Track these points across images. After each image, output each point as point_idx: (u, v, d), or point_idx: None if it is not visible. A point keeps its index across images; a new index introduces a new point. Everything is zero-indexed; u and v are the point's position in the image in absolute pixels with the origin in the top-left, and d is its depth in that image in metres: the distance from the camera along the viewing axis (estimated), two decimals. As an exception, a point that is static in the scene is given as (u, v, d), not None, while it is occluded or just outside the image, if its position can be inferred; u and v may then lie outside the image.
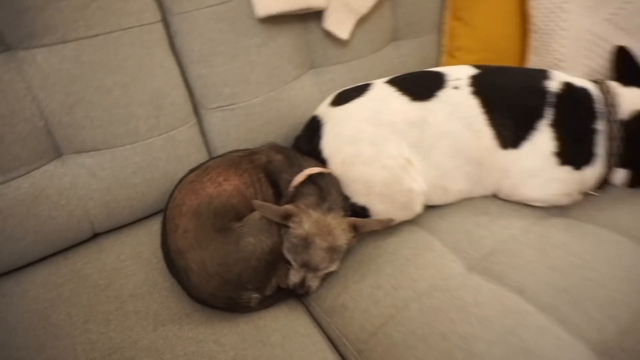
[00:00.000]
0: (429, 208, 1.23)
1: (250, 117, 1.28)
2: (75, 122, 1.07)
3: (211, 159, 1.16)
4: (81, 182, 1.12)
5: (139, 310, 1.04)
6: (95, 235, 1.22)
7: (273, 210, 1.04)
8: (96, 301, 1.06)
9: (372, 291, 1.05)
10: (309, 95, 1.36)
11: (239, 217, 1.06)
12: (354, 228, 1.07)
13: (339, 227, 1.04)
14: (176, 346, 0.97)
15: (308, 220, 1.03)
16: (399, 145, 1.12)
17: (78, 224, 1.15)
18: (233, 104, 1.25)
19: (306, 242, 1.02)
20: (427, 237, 1.17)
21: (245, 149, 1.18)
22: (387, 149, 1.11)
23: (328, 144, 1.15)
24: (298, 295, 1.09)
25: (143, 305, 1.05)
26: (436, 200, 1.22)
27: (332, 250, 1.03)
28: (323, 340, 1.03)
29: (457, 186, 1.20)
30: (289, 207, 1.05)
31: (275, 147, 1.18)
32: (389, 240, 1.16)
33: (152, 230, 1.21)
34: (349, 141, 1.13)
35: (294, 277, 1.07)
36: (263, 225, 1.04)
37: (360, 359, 0.97)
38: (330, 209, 1.06)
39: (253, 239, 1.02)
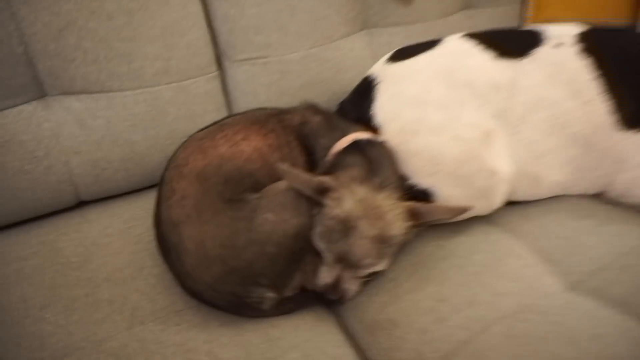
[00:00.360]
0: (508, 205, 0.93)
1: (284, 75, 1.03)
2: (63, 52, 0.84)
3: (230, 115, 0.91)
4: (66, 132, 0.89)
5: (114, 299, 0.78)
6: (81, 204, 0.98)
7: (304, 179, 0.76)
8: (62, 283, 0.80)
9: (434, 305, 0.74)
10: (358, 59, 1.10)
11: (257, 188, 0.79)
12: (414, 215, 0.78)
13: (392, 211, 0.76)
14: (154, 353, 0.70)
15: (351, 198, 0.75)
16: (478, 112, 0.83)
17: (58, 185, 0.91)
18: (265, 57, 1.01)
19: (346, 227, 0.73)
20: (509, 240, 0.86)
21: (275, 108, 0.92)
22: (462, 115, 0.82)
23: (383, 107, 0.88)
24: (329, 301, 0.79)
25: (120, 293, 0.79)
26: (521, 193, 0.91)
27: (380, 240, 0.74)
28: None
29: (552, 176, 0.89)
30: (325, 178, 0.78)
31: (312, 107, 0.91)
32: (457, 240, 0.86)
33: (151, 203, 0.96)
34: (411, 103, 0.85)
35: (326, 276, 0.78)
36: (288, 200, 0.76)
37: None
38: (381, 186, 0.78)
39: (273, 216, 0.74)
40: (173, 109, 0.95)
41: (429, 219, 0.78)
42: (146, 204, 0.97)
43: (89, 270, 0.83)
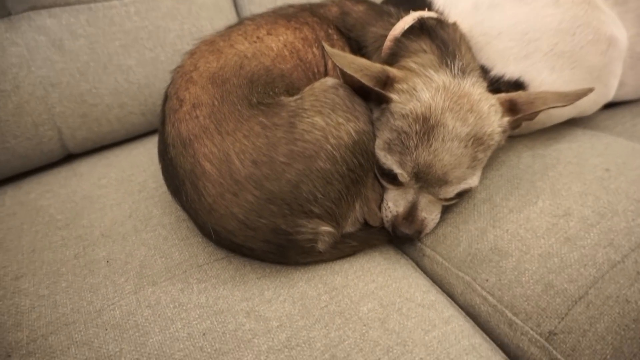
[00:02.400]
0: (607, 108, 0.72)
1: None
2: (26, -52, 0.65)
3: (248, 17, 0.70)
4: (39, 58, 0.69)
5: (113, 258, 0.57)
6: (70, 157, 0.78)
7: (361, 64, 0.56)
8: (44, 245, 0.60)
9: (555, 222, 0.53)
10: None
11: (294, 92, 0.59)
12: (512, 107, 0.57)
13: (485, 101, 0.55)
14: (173, 320, 0.49)
15: (428, 86, 0.55)
16: (576, -26, 0.63)
17: (35, 129, 0.71)
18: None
19: (426, 127, 0.53)
20: (623, 142, 0.65)
21: (304, 3, 0.71)
22: (558, -23, 0.62)
23: (445, -15, 0.67)
24: (401, 238, 0.59)
25: (122, 250, 0.58)
26: (630, 88, 0.70)
27: (476, 141, 0.54)
28: (459, 314, 0.53)
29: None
30: (389, 67, 0.58)
31: None
32: (558, 147, 0.64)
33: (154, 148, 0.76)
34: (484, -30, 0.64)
35: (398, 203, 0.58)
36: (340, 99, 0.56)
37: (548, 348, 0.46)
38: (464, 72, 0.57)
39: (321, 120, 0.53)
40: (174, 23, 0.75)
41: (532, 110, 0.57)
42: (150, 150, 0.78)
43: (79, 227, 0.63)
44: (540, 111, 0.56)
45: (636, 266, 0.47)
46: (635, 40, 0.66)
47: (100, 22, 0.71)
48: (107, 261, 0.57)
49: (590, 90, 0.56)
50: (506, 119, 0.56)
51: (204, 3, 0.77)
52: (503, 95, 0.58)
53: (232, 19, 0.80)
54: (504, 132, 0.57)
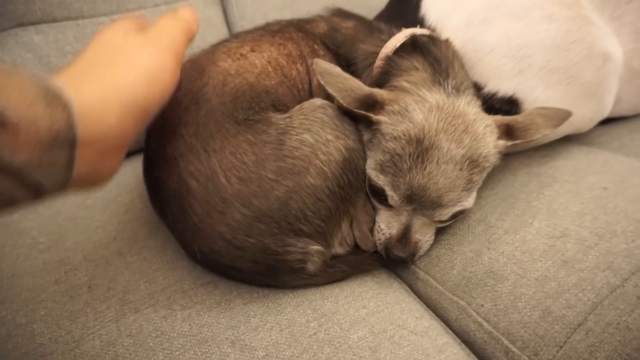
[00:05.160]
0: (604, 124, 0.71)
1: (300, -6, 0.82)
2: (11, -35, 0.64)
3: (233, 35, 0.69)
4: (24, 75, 0.68)
5: (95, 284, 0.55)
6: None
7: (346, 86, 0.54)
8: (25, 269, 0.58)
9: (552, 243, 0.51)
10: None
11: (280, 108, 0.57)
12: (508, 132, 0.56)
13: (480, 122, 0.54)
14: (155, 350, 0.47)
15: (421, 106, 0.53)
16: (569, -11, 0.62)
17: (19, 149, 0.69)
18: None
19: (420, 149, 0.51)
20: (620, 159, 0.64)
21: (291, 19, 0.70)
22: (550, -8, 0.61)
23: (436, 2, 0.66)
24: (393, 261, 0.57)
25: (105, 275, 0.56)
26: (625, 104, 0.69)
27: (471, 163, 0.52)
28: (453, 341, 0.51)
29: (670, 73, 0.67)
30: (377, 90, 0.56)
31: (341, 13, 0.69)
32: (554, 165, 0.63)
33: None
34: (476, -14, 0.63)
35: (388, 226, 0.56)
36: (329, 117, 0.54)
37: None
38: (458, 90, 0.56)
39: (311, 137, 0.52)
40: (162, 40, 0.74)
41: (527, 138, 0.56)
42: (138, 169, 0.75)
43: (62, 250, 0.61)
44: (535, 139, 0.55)
45: (636, 291, 0.45)
46: (631, 56, 0.65)
47: (88, 38, 0.69)
48: (89, 287, 0.55)
49: (569, 113, 0.56)
50: (502, 142, 0.55)
51: (194, 20, 0.76)
52: (499, 118, 0.56)
53: (223, 34, 0.79)
54: (499, 153, 0.55)
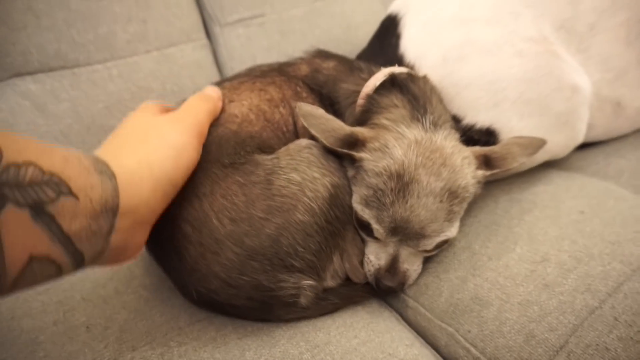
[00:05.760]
0: (581, 148, 0.74)
1: (286, 37, 0.87)
2: (8, 18, 0.67)
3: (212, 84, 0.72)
4: (22, 122, 0.71)
5: (93, 323, 0.57)
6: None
7: (328, 127, 0.57)
8: (24, 312, 0.59)
9: (533, 268, 0.54)
10: (370, 13, 0.94)
11: (266, 150, 0.60)
12: (485, 161, 0.59)
13: (458, 154, 0.57)
14: (152, 386, 0.48)
15: (400, 142, 0.56)
16: (537, 25, 0.66)
17: (17, 192, 0.71)
18: (261, 16, 0.85)
19: (401, 183, 0.54)
20: (599, 183, 0.66)
21: (273, 63, 0.74)
22: (520, 29, 0.65)
23: (414, 40, 0.70)
24: (383, 291, 0.59)
25: (102, 314, 0.58)
26: (599, 129, 0.72)
27: (450, 195, 0.55)
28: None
29: (638, 100, 0.71)
30: (358, 129, 0.59)
31: (321, 53, 0.73)
32: (534, 191, 0.66)
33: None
34: (451, 25, 0.67)
35: (377, 257, 0.58)
36: (315, 157, 0.57)
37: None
38: (435, 125, 0.59)
39: (298, 176, 0.54)
40: (156, 83, 0.77)
41: (507, 165, 0.59)
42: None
43: (60, 291, 0.62)
44: (512, 168, 0.58)
45: (613, 312, 0.47)
46: (600, 85, 0.69)
47: (83, 85, 0.73)
48: (87, 327, 0.57)
49: (544, 142, 0.60)
50: (481, 172, 0.58)
51: (185, 63, 0.80)
52: (477, 149, 0.59)
53: (213, 75, 0.83)
54: (478, 183, 0.58)
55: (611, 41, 0.68)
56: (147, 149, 0.44)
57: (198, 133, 0.50)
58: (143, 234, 0.45)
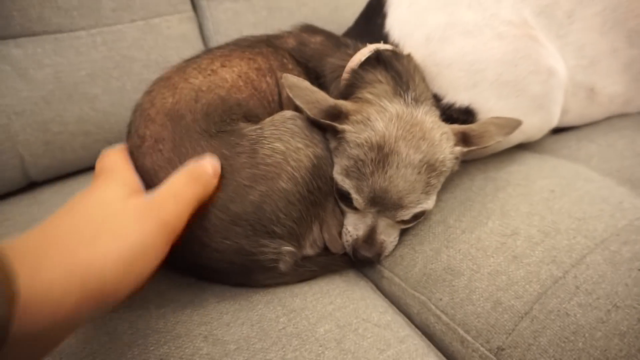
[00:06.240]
0: (555, 133, 0.77)
1: (273, 13, 0.87)
2: (-8, -20, 0.66)
3: (204, 51, 0.73)
4: (3, 87, 0.70)
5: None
6: (32, 185, 0.78)
7: (313, 98, 0.59)
8: None
9: (503, 241, 0.56)
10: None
11: (251, 119, 0.61)
12: (462, 139, 0.61)
13: (437, 129, 0.58)
14: (129, 346, 0.49)
15: (382, 116, 0.58)
16: (517, 9, 0.68)
17: (-3, 158, 0.71)
18: (249, -9, 0.84)
19: (381, 154, 0.55)
20: (571, 165, 0.69)
21: (261, 35, 0.74)
22: (501, 13, 0.67)
23: (399, 19, 0.71)
24: (360, 261, 0.60)
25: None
26: (572, 114, 0.75)
27: (427, 167, 0.56)
28: (414, 334, 0.54)
29: (610, 86, 0.73)
30: (342, 102, 0.60)
31: (309, 28, 0.74)
32: (509, 170, 0.68)
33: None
34: (435, 6, 0.69)
35: (356, 227, 0.60)
36: (299, 128, 0.58)
37: (500, 368, 0.48)
38: (417, 101, 0.61)
39: (282, 145, 0.55)
40: (140, 53, 0.77)
41: (481, 144, 0.61)
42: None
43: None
44: (489, 145, 0.60)
45: (575, 281, 0.49)
46: (575, 71, 0.71)
47: (66, 51, 0.72)
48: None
49: (519, 122, 0.62)
50: (458, 148, 0.59)
51: (171, 34, 0.80)
52: (456, 126, 0.61)
53: (198, 49, 0.82)
54: (455, 159, 0.60)
55: (587, 30, 0.70)
56: (91, 253, 0.33)
57: (170, 232, 0.39)
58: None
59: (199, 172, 0.47)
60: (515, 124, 0.63)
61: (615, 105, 0.76)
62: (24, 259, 0.29)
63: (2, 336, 0.27)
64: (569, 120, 0.76)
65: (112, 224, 0.35)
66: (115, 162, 0.47)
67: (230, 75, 0.63)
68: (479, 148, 0.61)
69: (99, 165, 0.47)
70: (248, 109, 0.62)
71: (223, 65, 0.64)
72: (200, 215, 0.52)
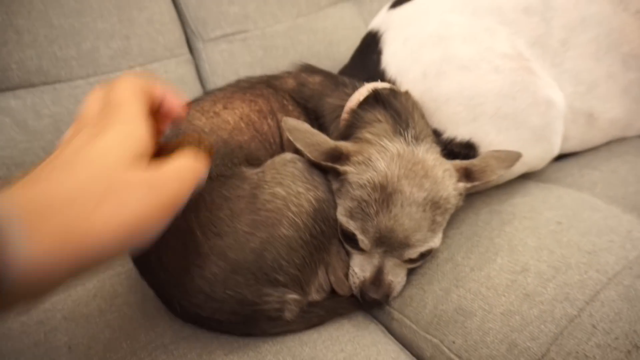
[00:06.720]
0: (557, 160, 0.76)
1: (269, 52, 0.88)
2: (-9, 35, 0.67)
3: (206, 93, 0.73)
4: (3, 138, 0.70)
5: (76, 343, 0.56)
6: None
7: (313, 141, 0.58)
8: (4, 333, 0.58)
9: (514, 278, 0.55)
10: (351, 29, 0.96)
11: (253, 162, 0.61)
12: (465, 175, 0.61)
13: (439, 167, 0.58)
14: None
15: (383, 155, 0.57)
16: (512, 42, 0.68)
17: None
18: (244, 32, 0.86)
19: (385, 194, 0.55)
20: (575, 194, 0.69)
21: (261, 76, 0.75)
22: (496, 46, 0.67)
23: (395, 56, 0.72)
24: (369, 303, 0.59)
25: (85, 334, 0.57)
26: (573, 141, 0.75)
27: (432, 205, 0.56)
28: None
29: (609, 111, 0.73)
30: (342, 143, 0.60)
31: (308, 68, 0.74)
32: (513, 202, 0.67)
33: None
34: (430, 42, 0.69)
35: (363, 268, 0.59)
36: (300, 171, 0.58)
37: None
38: (417, 139, 0.60)
39: (282, 190, 0.55)
40: (138, 99, 0.77)
41: (486, 177, 0.60)
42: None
43: (41, 311, 0.61)
44: (491, 180, 0.60)
45: (591, 320, 0.48)
46: (573, 98, 0.71)
47: (64, 101, 0.72)
48: (69, 347, 0.56)
49: (519, 155, 0.62)
50: (461, 185, 0.59)
51: (169, 78, 0.80)
52: (458, 162, 0.61)
53: (197, 91, 0.83)
54: (459, 195, 0.59)
55: (582, 56, 0.70)
56: (90, 223, 0.31)
57: (171, 208, 0.38)
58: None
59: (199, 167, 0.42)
60: (515, 157, 0.62)
61: (616, 130, 0.76)
62: (27, 215, 0.28)
63: None
64: (570, 147, 0.76)
65: (114, 195, 0.33)
66: (128, 101, 0.38)
67: (233, 118, 0.63)
68: (482, 183, 0.61)
69: (108, 94, 0.38)
70: (250, 151, 0.62)
71: (225, 108, 0.64)
72: (200, 263, 0.51)
